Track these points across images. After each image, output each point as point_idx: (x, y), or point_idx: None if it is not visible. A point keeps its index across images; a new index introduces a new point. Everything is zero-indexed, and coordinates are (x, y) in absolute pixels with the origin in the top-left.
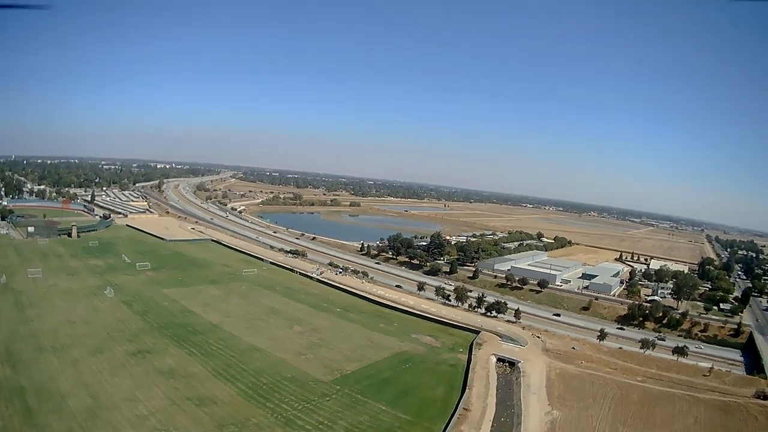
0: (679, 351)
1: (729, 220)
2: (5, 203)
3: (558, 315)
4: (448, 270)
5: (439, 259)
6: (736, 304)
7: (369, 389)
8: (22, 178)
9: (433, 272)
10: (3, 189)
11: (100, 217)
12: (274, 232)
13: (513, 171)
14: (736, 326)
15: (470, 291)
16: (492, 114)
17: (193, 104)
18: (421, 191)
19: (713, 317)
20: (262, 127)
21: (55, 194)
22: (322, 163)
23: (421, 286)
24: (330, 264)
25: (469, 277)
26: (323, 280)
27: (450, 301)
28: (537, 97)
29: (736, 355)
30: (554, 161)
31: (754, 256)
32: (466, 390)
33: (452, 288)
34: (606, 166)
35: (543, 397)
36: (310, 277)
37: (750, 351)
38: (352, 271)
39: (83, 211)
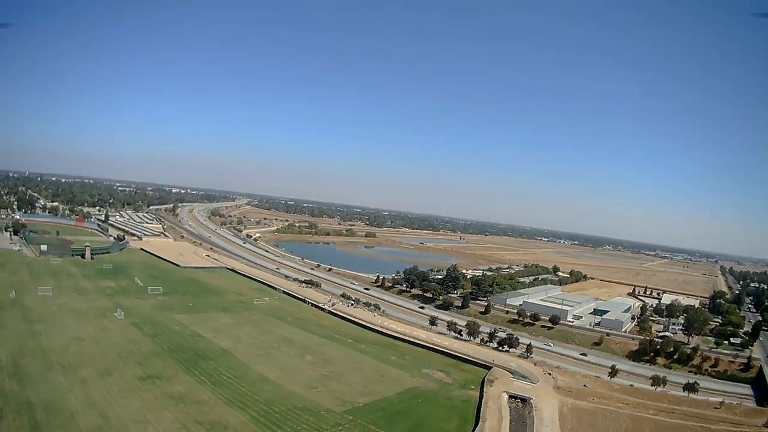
0: (690, 387)
1: (743, 250)
2: (18, 217)
3: (585, 354)
4: (460, 304)
5: (453, 293)
6: (746, 338)
7: (381, 421)
8: (36, 194)
9: (445, 306)
10: (16, 203)
11: (114, 238)
12: (291, 263)
13: (528, 204)
14: (746, 360)
15: (482, 327)
16: (508, 147)
17: (208, 132)
18: (436, 223)
19: (723, 351)
20: (278, 156)
21: (68, 212)
22: (336, 194)
23: (433, 321)
24: (342, 295)
25: (480, 312)
26: (335, 312)
27: (462, 335)
28: (552, 130)
29: (746, 389)
30: (569, 194)
31: (766, 288)
32: (479, 422)
33: (464, 323)
34: (621, 199)
35: (556, 430)
36: (322, 309)
37: (760, 385)
38: (364, 303)
39: (97, 230)
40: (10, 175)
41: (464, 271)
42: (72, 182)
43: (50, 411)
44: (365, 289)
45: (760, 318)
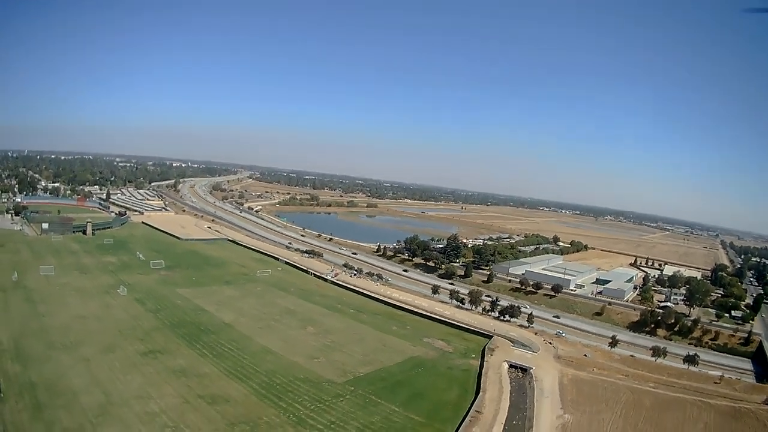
0: (690, 360)
1: (744, 225)
2: (19, 200)
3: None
4: (462, 273)
5: (455, 262)
6: (748, 311)
7: (382, 391)
8: (37, 175)
9: (448, 275)
10: (17, 186)
11: (116, 214)
12: (293, 233)
13: (530, 174)
14: (746, 334)
15: (484, 295)
16: (509, 118)
17: (209, 104)
18: (437, 194)
19: (724, 325)
20: (279, 128)
21: (69, 192)
22: (338, 165)
23: (435, 289)
24: (345, 265)
25: (483, 281)
26: (338, 282)
27: (464, 304)
28: (555, 101)
29: (746, 364)
30: (571, 165)
31: (767, 263)
32: (480, 393)
33: (466, 292)
34: (623, 170)
35: (555, 401)
36: (325, 279)
37: (760, 359)
38: (366, 273)
39: (98, 208)
40: (10, 154)
41: (465, 240)
42: (72, 159)
43: (52, 391)
44: (362, 257)
45: (761, 291)
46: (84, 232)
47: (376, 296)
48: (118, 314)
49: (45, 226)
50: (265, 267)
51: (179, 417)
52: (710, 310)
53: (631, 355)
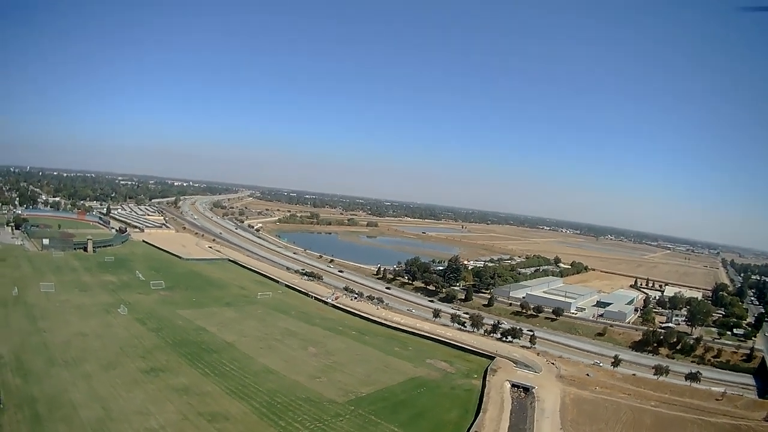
0: (692, 377)
1: (746, 242)
2: (20, 212)
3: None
4: (463, 297)
5: (455, 285)
6: (749, 329)
7: (383, 411)
8: (37, 190)
9: (449, 299)
10: (17, 199)
11: (116, 230)
12: (294, 253)
13: (530, 193)
14: (748, 351)
15: (485, 319)
16: (509, 136)
17: (211, 124)
18: (438, 212)
19: (726, 342)
20: (281, 148)
21: (70, 206)
22: (339, 185)
23: (436, 313)
24: (345, 288)
25: (484, 305)
26: (338, 305)
27: (465, 327)
28: (555, 120)
29: (748, 379)
30: (572, 183)
31: (767, 280)
32: (480, 413)
33: (468, 316)
34: (624, 189)
35: (555, 421)
36: (325, 302)
37: (762, 375)
38: (367, 296)
39: (99, 223)
40: (12, 170)
41: (465, 262)
42: (74, 177)
43: (52, 404)
44: (363, 281)
45: (762, 310)
46: (85, 249)
47: (377, 319)
48: (119, 333)
49: (46, 241)
50: (266, 289)
51: None
52: (712, 329)
53: (633, 374)
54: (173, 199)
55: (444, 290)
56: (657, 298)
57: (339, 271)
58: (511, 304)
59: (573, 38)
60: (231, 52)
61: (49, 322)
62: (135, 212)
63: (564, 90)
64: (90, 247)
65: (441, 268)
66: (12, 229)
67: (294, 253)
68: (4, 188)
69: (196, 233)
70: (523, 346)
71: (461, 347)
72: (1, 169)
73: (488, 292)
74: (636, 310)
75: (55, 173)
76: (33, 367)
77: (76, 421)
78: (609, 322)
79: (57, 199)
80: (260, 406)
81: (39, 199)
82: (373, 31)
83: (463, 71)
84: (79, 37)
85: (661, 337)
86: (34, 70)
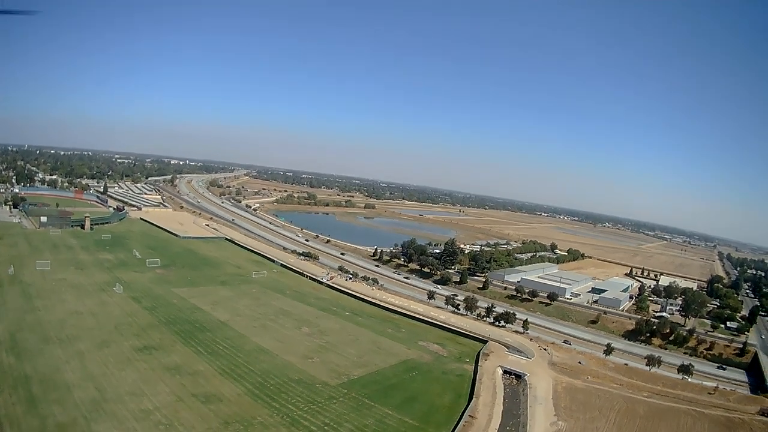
0: (685, 369)
1: (743, 236)
2: (17, 190)
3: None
4: (458, 280)
5: (451, 268)
6: (743, 322)
7: (376, 394)
8: (34, 168)
9: (443, 281)
10: (15, 177)
11: (114, 208)
12: (291, 233)
13: (529, 178)
14: (741, 345)
15: (480, 302)
16: (509, 121)
17: (206, 102)
18: (435, 195)
19: (720, 335)
20: (277, 128)
21: (67, 185)
22: (336, 165)
23: (431, 295)
24: (340, 269)
25: (479, 288)
26: (333, 285)
27: (459, 310)
28: (555, 106)
29: (740, 375)
30: (570, 170)
31: (763, 275)
32: (473, 399)
33: (462, 298)
34: (622, 177)
35: (549, 408)
36: (320, 282)
37: (755, 371)
38: (362, 277)
39: (96, 201)
40: (9, 148)
41: (462, 245)
42: (71, 155)
43: (46, 384)
44: (358, 261)
45: (757, 303)
46: (82, 227)
47: (371, 300)
48: (114, 311)
49: (43, 219)
50: (261, 268)
51: (173, 415)
52: (706, 320)
53: (626, 364)
54: (170, 177)
55: (439, 272)
56: (652, 287)
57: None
58: (506, 288)
59: (575, 27)
60: (229, 32)
61: (45, 300)
62: (132, 190)
63: (566, 78)
64: (87, 225)
65: (438, 251)
66: (10, 208)
67: (292, 233)
68: (1, 167)
69: (194, 212)
70: (515, 331)
71: (454, 330)
72: None
73: (483, 275)
74: (631, 297)
75: (52, 151)
76: (27, 345)
77: (70, 402)
78: (604, 308)
79: (54, 177)
80: (253, 387)
81: (36, 178)
82: (371, 14)
83: (464, 56)
84: (77, 16)
85: (654, 327)
86: (32, 49)
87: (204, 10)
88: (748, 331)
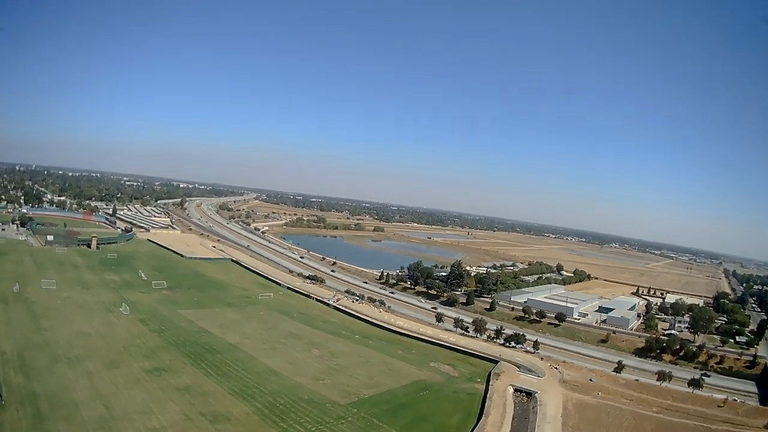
0: (695, 383)
1: (747, 252)
2: (25, 210)
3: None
4: (464, 301)
5: (457, 290)
6: (752, 336)
7: (385, 414)
8: (42, 189)
9: (450, 303)
10: (23, 198)
11: (122, 230)
12: (300, 257)
13: (536, 200)
14: (751, 358)
15: (488, 324)
16: (516, 145)
17: (216, 126)
18: (444, 218)
19: (729, 349)
20: (287, 151)
21: (75, 206)
22: (345, 189)
23: (439, 317)
24: (347, 291)
25: (485, 309)
26: (340, 307)
27: (468, 332)
28: (563, 128)
29: (751, 386)
30: (577, 192)
31: None
32: (482, 417)
33: (470, 320)
34: (628, 197)
35: (557, 426)
36: (327, 304)
37: (764, 382)
38: (369, 299)
39: (105, 223)
40: (17, 168)
41: (468, 268)
42: (79, 176)
43: (54, 402)
44: (365, 283)
45: (765, 317)
46: (89, 246)
47: (380, 323)
48: (122, 332)
49: (50, 238)
50: (267, 290)
51: None
52: (715, 336)
53: (637, 380)
54: (179, 200)
55: (446, 294)
56: (659, 305)
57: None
58: (513, 309)
59: (581, 45)
60: (239, 54)
61: (51, 320)
62: (141, 213)
63: (573, 100)
64: (94, 244)
65: (444, 273)
66: (17, 227)
67: (299, 256)
68: (9, 187)
69: (201, 234)
70: (526, 351)
71: (465, 351)
72: (6, 167)
73: (490, 296)
74: (639, 315)
75: (60, 172)
76: (35, 364)
77: (77, 419)
78: (612, 328)
79: (62, 198)
80: (262, 407)
81: (44, 198)
82: (384, 36)
83: (473, 78)
84: (85, 35)
85: (665, 344)
86: (40, 69)
87: (216, 33)
88: (757, 345)
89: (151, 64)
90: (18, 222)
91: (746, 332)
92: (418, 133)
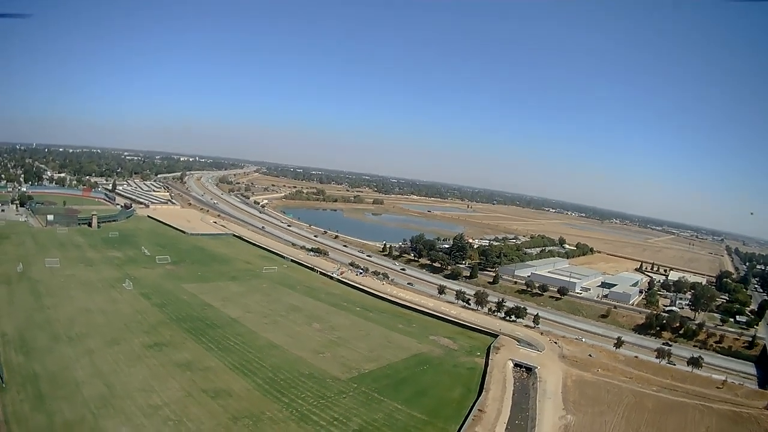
0: (694, 362)
1: (750, 230)
2: (24, 189)
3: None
4: (468, 274)
5: (461, 263)
6: (753, 317)
7: (386, 388)
8: (42, 166)
9: (454, 276)
10: (23, 176)
11: (122, 206)
12: (299, 229)
13: (537, 174)
14: (750, 338)
15: (490, 297)
16: (516, 117)
17: (216, 99)
18: (444, 191)
19: (729, 329)
20: (287, 125)
21: (75, 182)
22: (345, 162)
23: (441, 290)
24: (351, 264)
25: (489, 282)
26: (343, 280)
27: (470, 305)
28: (563, 104)
29: (750, 368)
30: (578, 166)
31: None
32: (483, 392)
33: (473, 293)
34: (629, 172)
35: (558, 402)
36: (331, 277)
37: (763, 364)
38: (372, 272)
39: (104, 199)
40: (18, 147)
41: (471, 240)
42: (80, 153)
43: (55, 382)
44: (368, 256)
45: (766, 297)
46: (89, 225)
47: (382, 295)
48: (124, 308)
49: (50, 217)
50: (271, 264)
51: (182, 410)
52: (715, 315)
53: (636, 356)
54: (179, 174)
55: (449, 267)
56: (661, 281)
57: (344, 246)
58: (516, 283)
59: (581, 21)
60: (238, 28)
61: (54, 298)
62: (140, 188)
63: (573, 74)
64: (94, 223)
65: (446, 246)
66: (17, 207)
67: (299, 229)
68: (9, 165)
69: (202, 209)
70: (526, 326)
71: (465, 325)
72: (6, 146)
73: (493, 270)
74: (641, 292)
75: (60, 149)
76: (36, 344)
77: (78, 398)
78: (613, 302)
79: (62, 175)
80: (263, 383)
81: (44, 176)
82: (383, 11)
83: (471, 51)
84: (85, 13)
85: (665, 321)
86: (41, 46)
87: (215, 6)
88: (757, 325)
89: (151, 39)
90: (17, 202)
91: (747, 312)
92: (419, 106)
